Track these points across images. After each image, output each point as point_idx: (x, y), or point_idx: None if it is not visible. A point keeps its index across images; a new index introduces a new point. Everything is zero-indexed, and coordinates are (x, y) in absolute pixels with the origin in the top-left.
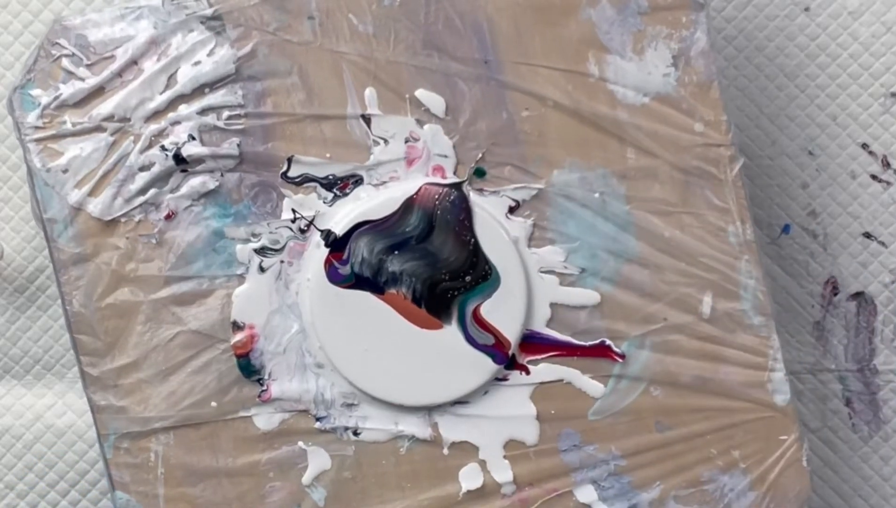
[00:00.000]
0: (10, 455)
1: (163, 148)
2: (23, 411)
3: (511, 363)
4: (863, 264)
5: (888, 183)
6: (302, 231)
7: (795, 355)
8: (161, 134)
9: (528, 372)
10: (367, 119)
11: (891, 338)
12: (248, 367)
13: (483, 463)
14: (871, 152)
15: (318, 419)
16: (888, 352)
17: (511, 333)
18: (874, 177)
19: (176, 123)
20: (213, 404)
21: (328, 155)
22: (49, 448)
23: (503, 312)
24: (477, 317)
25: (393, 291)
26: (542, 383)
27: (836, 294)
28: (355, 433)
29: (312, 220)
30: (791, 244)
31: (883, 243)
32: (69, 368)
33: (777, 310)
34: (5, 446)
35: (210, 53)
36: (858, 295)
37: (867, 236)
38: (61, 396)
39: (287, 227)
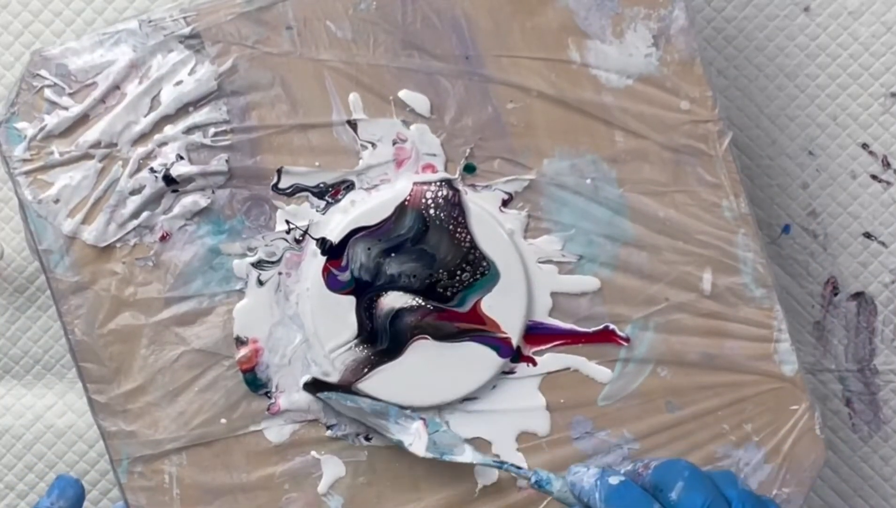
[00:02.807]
0: (10, 455)
1: (152, 170)
2: (23, 411)
3: (517, 356)
4: (863, 264)
5: (888, 183)
6: (297, 241)
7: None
8: (149, 156)
9: (534, 363)
10: (353, 124)
11: (891, 338)
12: (255, 381)
13: (497, 458)
14: (871, 152)
15: (328, 428)
16: (888, 352)
17: (514, 325)
18: (874, 177)
19: (163, 144)
20: (223, 421)
21: (317, 163)
22: (49, 448)
23: (504, 305)
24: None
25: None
26: (549, 373)
27: (836, 294)
28: (367, 439)
29: (307, 229)
30: (791, 244)
31: (883, 243)
32: (69, 368)
33: None
34: (5, 446)
35: (191, 72)
36: (858, 295)
37: (867, 236)
38: (61, 396)
39: (282, 238)
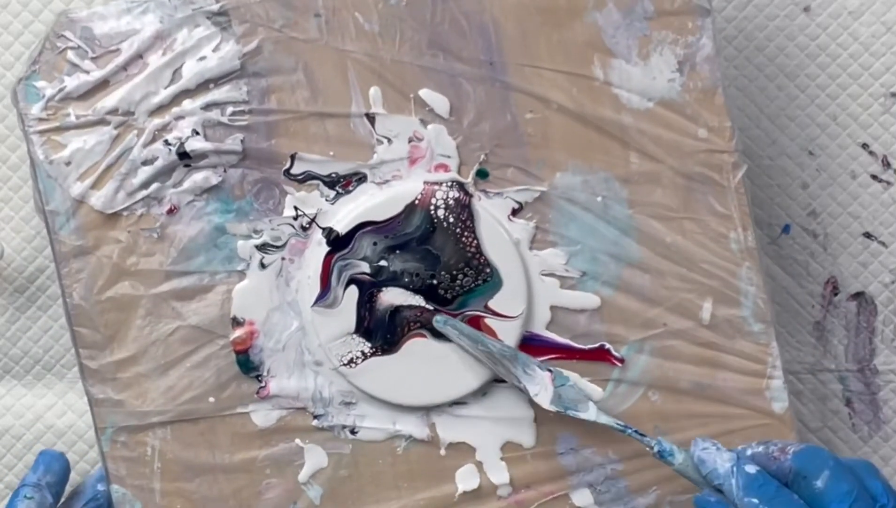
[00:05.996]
0: (11, 455)
1: (166, 143)
2: (23, 411)
3: None
4: (863, 264)
5: (888, 183)
6: (304, 229)
7: (795, 355)
8: (165, 129)
9: None
10: (371, 118)
11: (891, 338)
12: (247, 363)
13: (480, 465)
14: (871, 152)
15: (315, 417)
16: (888, 352)
17: (511, 335)
18: (874, 177)
19: (180, 117)
20: (211, 399)
21: (331, 153)
22: (49, 448)
23: (503, 313)
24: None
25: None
26: None
27: (836, 294)
28: (353, 432)
29: (314, 217)
30: (791, 244)
31: (883, 243)
32: (69, 368)
33: (777, 310)
34: (5, 446)
35: (215, 49)
36: (858, 295)
37: (867, 236)
38: (61, 396)
39: (289, 224)
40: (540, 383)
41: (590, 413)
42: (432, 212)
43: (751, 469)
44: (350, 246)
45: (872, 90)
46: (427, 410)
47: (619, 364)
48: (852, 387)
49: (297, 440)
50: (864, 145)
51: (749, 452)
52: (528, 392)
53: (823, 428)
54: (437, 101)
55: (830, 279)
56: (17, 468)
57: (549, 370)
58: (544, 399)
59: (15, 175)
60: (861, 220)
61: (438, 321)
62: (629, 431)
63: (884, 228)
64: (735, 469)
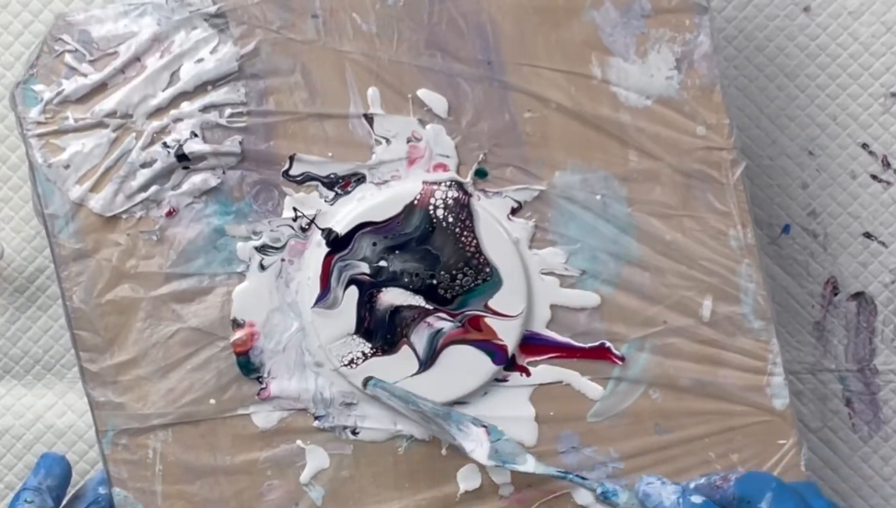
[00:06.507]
0: (10, 455)
1: (165, 145)
2: (23, 411)
3: (511, 365)
4: (863, 264)
5: (888, 183)
6: (303, 229)
7: (795, 355)
8: (163, 131)
9: (527, 373)
10: (369, 118)
11: (891, 338)
12: (248, 365)
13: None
14: (871, 152)
15: (316, 418)
16: (888, 352)
17: (511, 334)
18: (874, 177)
19: (178, 120)
20: (212, 401)
21: (330, 154)
22: (49, 448)
23: (503, 312)
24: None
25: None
26: (541, 384)
27: (836, 294)
28: (354, 433)
29: (314, 218)
30: (791, 244)
31: (883, 243)
32: (69, 368)
33: (777, 310)
34: (5, 446)
35: (213, 51)
36: (858, 295)
37: (867, 236)
38: (61, 396)
39: (288, 225)
40: (475, 439)
41: (528, 465)
42: (431, 212)
43: (696, 499)
44: (349, 247)
45: (872, 90)
46: None
47: (620, 363)
48: (852, 387)
49: (299, 442)
50: (864, 145)
51: (693, 485)
52: (464, 449)
53: (823, 428)
54: (436, 101)
55: (830, 279)
56: (17, 468)
57: (484, 426)
58: (481, 455)
59: (15, 175)
60: (861, 220)
61: (370, 385)
62: (570, 477)
63: (884, 228)
64: (681, 500)
